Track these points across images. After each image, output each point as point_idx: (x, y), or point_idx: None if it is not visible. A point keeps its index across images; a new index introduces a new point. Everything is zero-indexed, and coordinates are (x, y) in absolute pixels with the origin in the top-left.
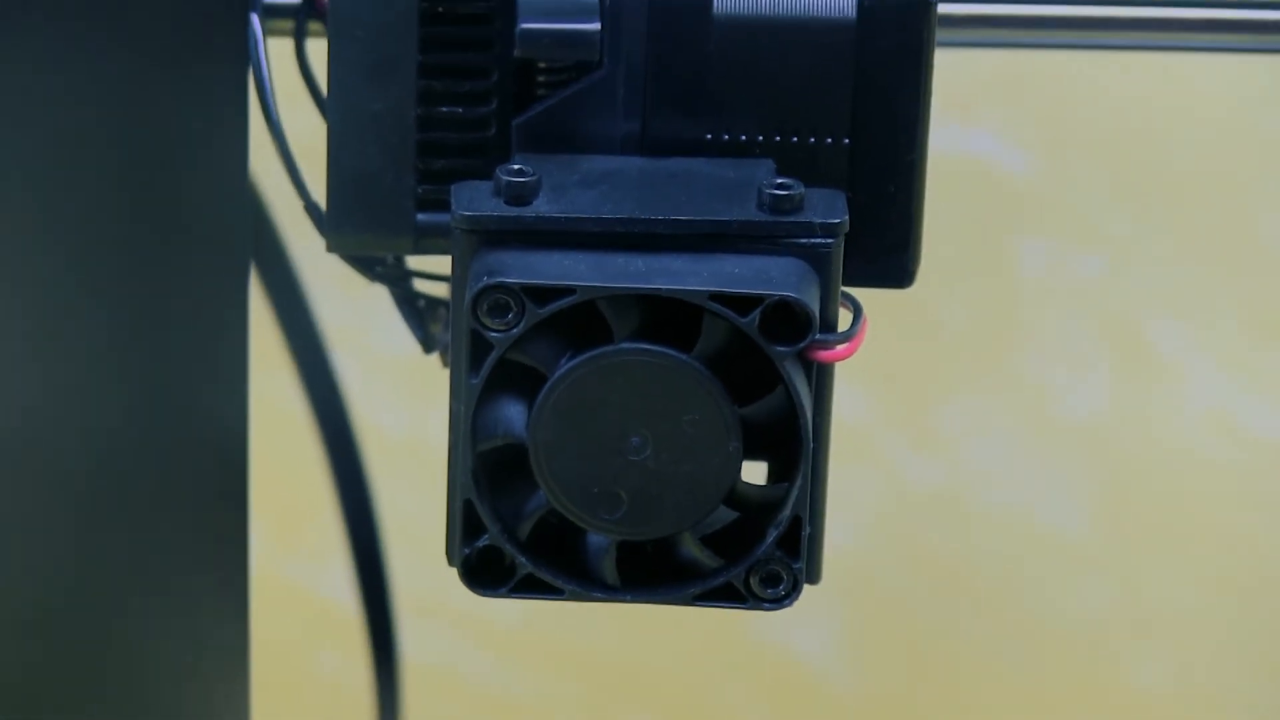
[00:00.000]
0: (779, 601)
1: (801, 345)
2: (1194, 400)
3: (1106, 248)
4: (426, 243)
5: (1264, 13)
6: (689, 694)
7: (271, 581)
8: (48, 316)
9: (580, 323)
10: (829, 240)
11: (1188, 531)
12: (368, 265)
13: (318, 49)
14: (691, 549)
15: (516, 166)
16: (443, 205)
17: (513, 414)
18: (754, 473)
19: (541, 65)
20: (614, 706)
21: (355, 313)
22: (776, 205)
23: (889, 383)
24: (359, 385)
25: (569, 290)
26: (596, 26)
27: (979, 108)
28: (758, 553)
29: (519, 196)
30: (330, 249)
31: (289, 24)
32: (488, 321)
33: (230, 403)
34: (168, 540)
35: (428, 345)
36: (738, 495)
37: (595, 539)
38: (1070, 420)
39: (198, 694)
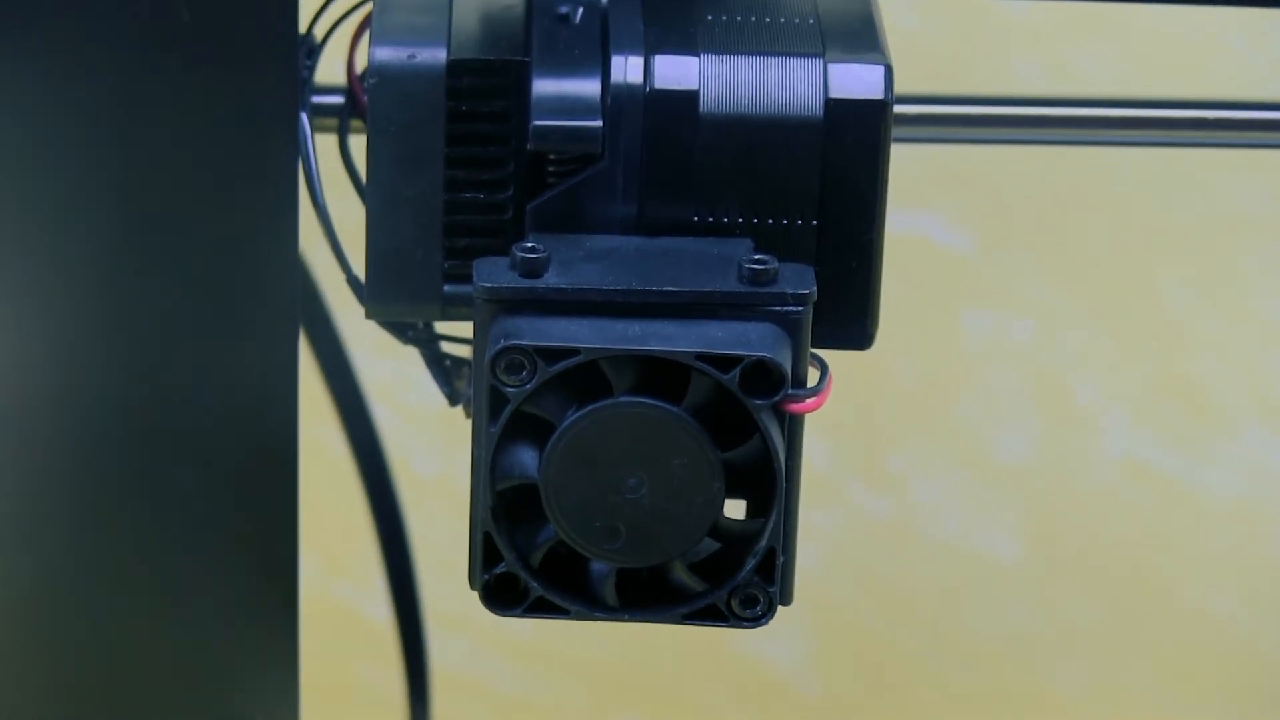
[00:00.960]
0: (756, 620)
1: (776, 399)
2: (1109, 447)
3: (1035, 315)
4: (452, 310)
5: (1168, 111)
6: (677, 696)
7: (320, 602)
8: (122, 387)
9: (584, 379)
10: (799, 308)
11: (1103, 559)
12: (401, 330)
13: (358, 143)
14: (681, 575)
15: (530, 244)
16: (466, 278)
17: (526, 458)
18: (734, 509)
19: (551, 157)
20: (613, 707)
21: (391, 371)
22: (754, 278)
23: (848, 431)
24: (395, 433)
25: (575, 351)
26: (599, 124)
27: (926, 194)
28: (738, 578)
29: (532, 270)
30: (369, 316)
31: (333, 121)
32: (504, 378)
33: (282, 445)
34: (226, 585)
35: (453, 399)
36: (720, 528)
37: (597, 566)
38: (1003, 464)
39: (252, 698)
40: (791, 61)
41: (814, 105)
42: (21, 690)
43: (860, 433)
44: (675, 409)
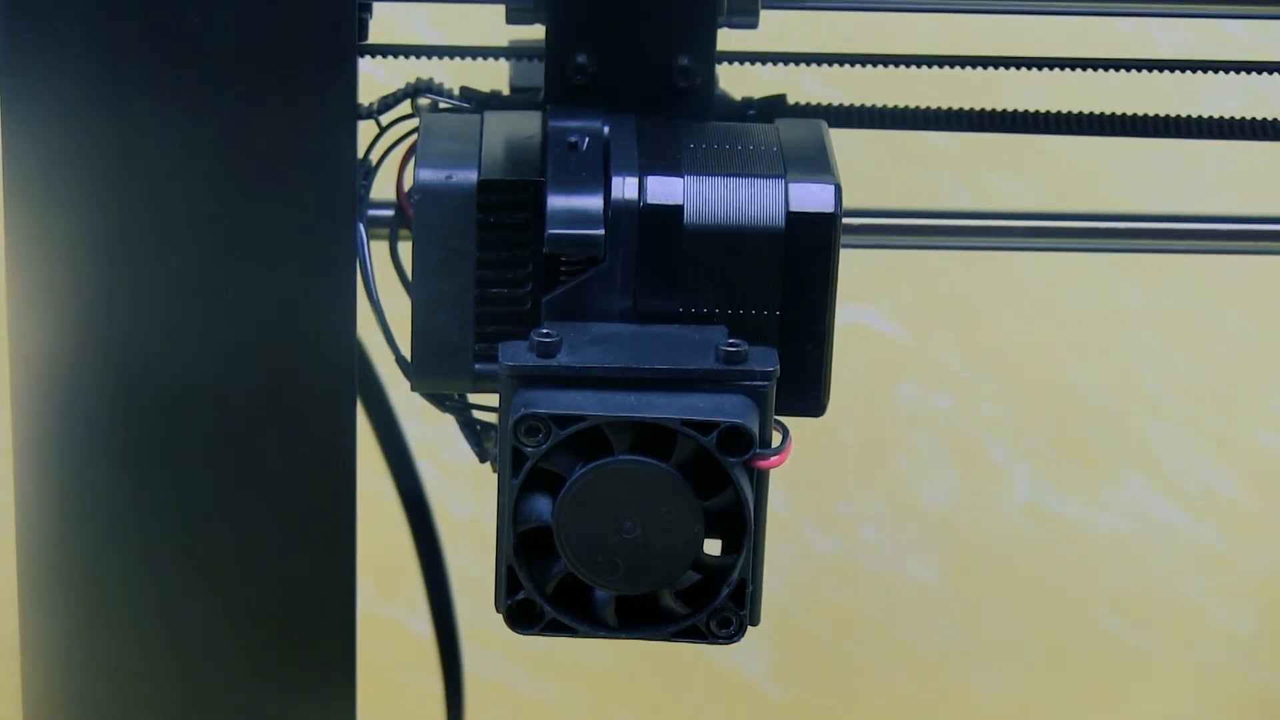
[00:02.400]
0: (730, 638)
1: (746, 457)
2: (1015, 495)
3: (954, 388)
4: (482, 384)
5: (1065, 221)
6: (665, 698)
7: (373, 619)
8: (220, 451)
9: (590, 441)
10: (765, 383)
11: (1011, 585)
12: (440, 400)
13: (405, 248)
14: (669, 601)
15: (545, 330)
16: (493, 358)
17: (542, 506)
18: (712, 547)
19: (563, 259)
20: (612, 707)
21: (432, 433)
22: (728, 358)
23: (804, 483)
24: (435, 483)
25: (582, 418)
26: (601, 232)
27: (867, 291)
28: (715, 604)
29: (546, 352)
30: (414, 389)
31: (385, 230)
32: (524, 440)
33: (344, 493)
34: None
35: (482, 456)
36: (701, 563)
37: (600, 594)
38: (929, 508)
39: (315, 697)
40: (759, 181)
41: (777, 217)
42: (93, 683)
43: (813, 484)
44: (664, 465)
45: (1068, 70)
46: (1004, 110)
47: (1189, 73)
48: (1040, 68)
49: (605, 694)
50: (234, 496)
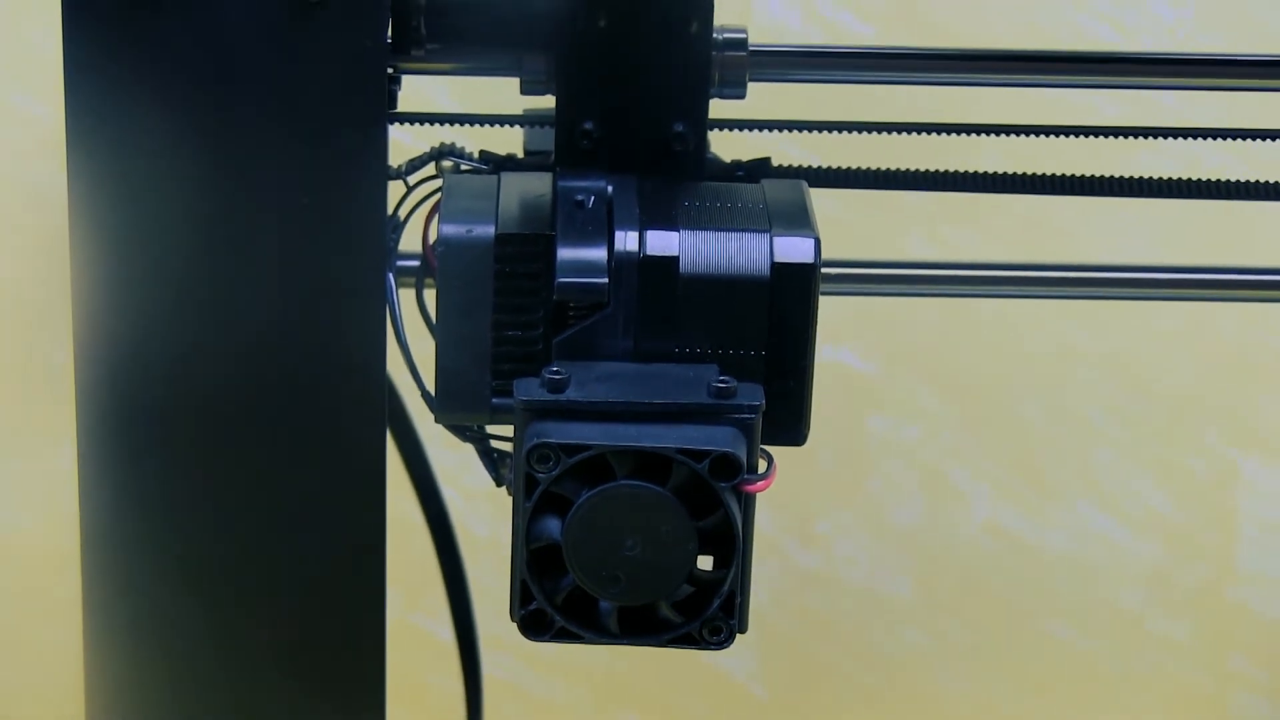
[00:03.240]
0: (721, 644)
1: (735, 482)
2: (977, 513)
3: (921, 420)
4: (498, 417)
5: (1019, 271)
6: (662, 697)
7: (402, 626)
8: (267, 487)
9: (595, 467)
10: (752, 416)
11: (973, 597)
12: (461, 431)
13: (429, 295)
14: (666, 611)
15: (555, 369)
16: (508, 393)
17: (552, 526)
18: (704, 563)
19: (571, 305)
20: (613, 705)
21: (455, 460)
22: (719, 394)
23: (786, 504)
24: (457, 505)
25: (588, 447)
26: (605, 281)
27: (844, 332)
28: (707, 614)
29: (556, 388)
30: (438, 421)
31: (412, 279)
32: (536, 467)
33: (374, 514)
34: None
35: (499, 481)
36: (694, 577)
37: (604, 604)
38: (901, 526)
39: (348, 695)
40: (747, 235)
41: (763, 267)
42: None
43: (795, 505)
44: (661, 489)
45: (1021, 136)
46: (963, 171)
47: (1129, 138)
48: (996, 133)
49: (609, 694)
50: (279, 516)
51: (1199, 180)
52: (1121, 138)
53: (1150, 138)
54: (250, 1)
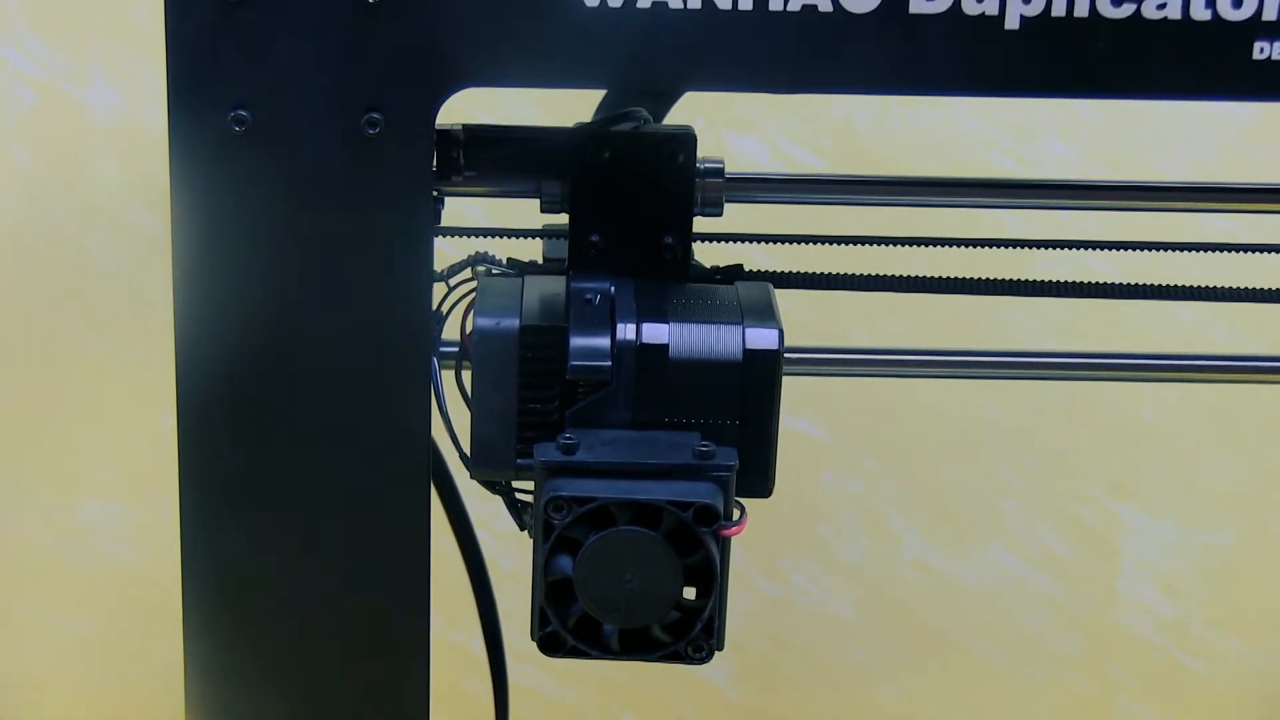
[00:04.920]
0: (703, 659)
1: (714, 528)
2: (908, 552)
3: (863, 476)
4: (522, 474)
5: (947, 356)
6: (654, 700)
7: (443, 641)
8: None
9: (600, 515)
10: (728, 474)
11: (906, 621)
12: (491, 485)
13: (466, 375)
14: (658, 632)
15: (568, 435)
16: (530, 455)
17: (565, 563)
18: (689, 593)
19: (580, 384)
20: (615, 706)
21: (487, 509)
22: (701, 456)
23: (754, 544)
24: (488, 544)
25: (594, 499)
26: (609, 364)
27: (801, 406)
28: (691, 635)
29: (569, 451)
30: (472, 477)
31: (452, 362)
32: (552, 515)
33: (420, 551)
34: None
35: (522, 526)
36: (681, 605)
37: (607, 627)
38: (846, 562)
39: (399, 697)
40: (723, 327)
41: (736, 353)
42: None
43: (761, 545)
44: (654, 533)
45: (944, 247)
46: (897, 276)
47: (1031, 249)
48: (923, 245)
49: (612, 697)
50: (348, 552)
51: (1089, 283)
52: (1024, 248)
53: (1048, 249)
54: (325, 137)
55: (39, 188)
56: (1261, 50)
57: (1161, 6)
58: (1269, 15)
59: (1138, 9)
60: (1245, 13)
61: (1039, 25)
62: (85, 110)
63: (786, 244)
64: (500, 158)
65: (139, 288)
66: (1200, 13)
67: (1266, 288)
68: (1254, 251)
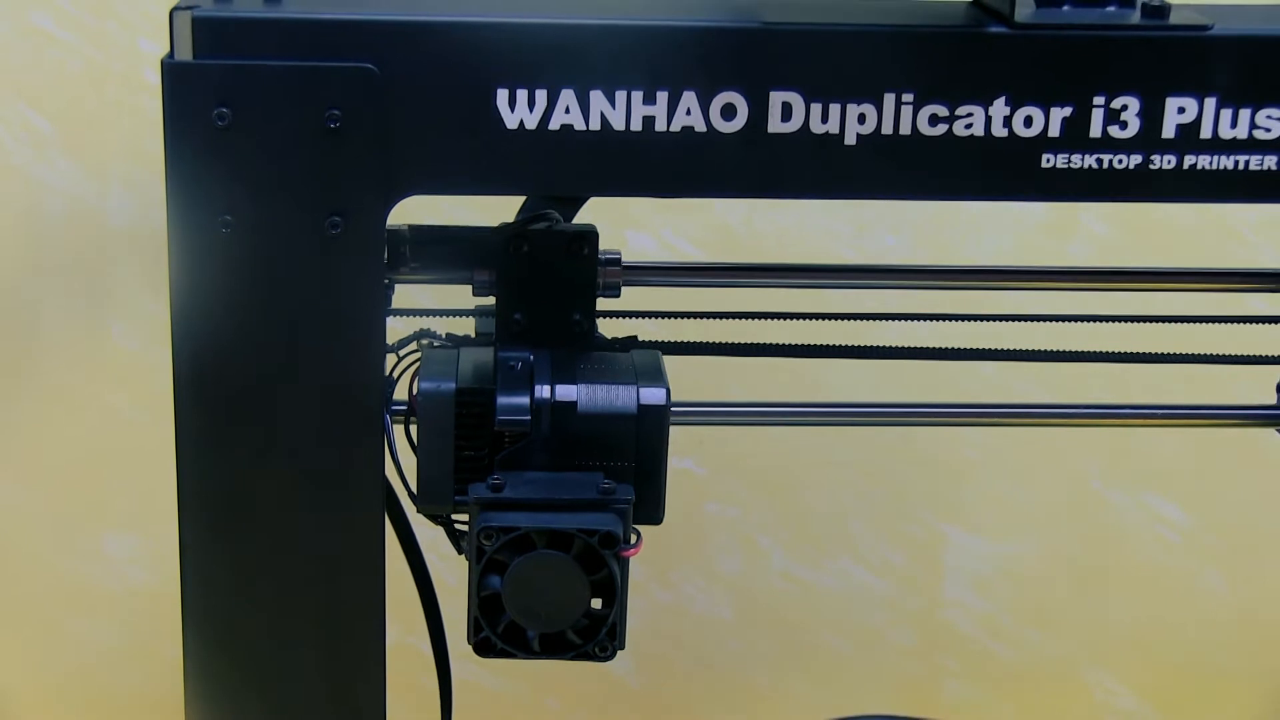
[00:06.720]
0: (608, 657)
1: (615, 550)
2: (776, 565)
3: (738, 505)
4: (460, 508)
5: (800, 409)
6: (572, 687)
7: (399, 646)
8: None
9: (523, 541)
10: (627, 505)
11: (773, 621)
12: (435, 517)
13: (413, 428)
14: (571, 636)
15: (496, 477)
16: (465, 493)
17: (495, 580)
18: (596, 603)
19: (507, 434)
20: (541, 694)
21: (432, 535)
22: (604, 493)
23: (650, 560)
24: (435, 565)
25: (518, 528)
26: (528, 418)
27: (686, 448)
28: (598, 638)
29: (497, 489)
30: (419, 511)
31: (402, 418)
32: (484, 541)
33: (374, 574)
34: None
35: (459, 550)
36: (589, 613)
37: (530, 633)
38: (726, 574)
39: (356, 692)
40: (621, 387)
41: (632, 407)
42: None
43: (655, 561)
44: (567, 555)
45: (800, 320)
46: (763, 344)
47: (865, 321)
48: (784, 319)
49: (538, 687)
50: (317, 572)
51: (908, 347)
52: (859, 320)
53: (878, 320)
54: (296, 236)
55: (66, 279)
56: (1048, 160)
57: (969, 126)
58: (1053, 133)
59: (949, 128)
60: (1034, 131)
61: (872, 141)
62: (107, 216)
63: (673, 319)
64: (440, 252)
65: (157, 360)
66: (999, 131)
67: (1058, 349)
68: (1047, 321)
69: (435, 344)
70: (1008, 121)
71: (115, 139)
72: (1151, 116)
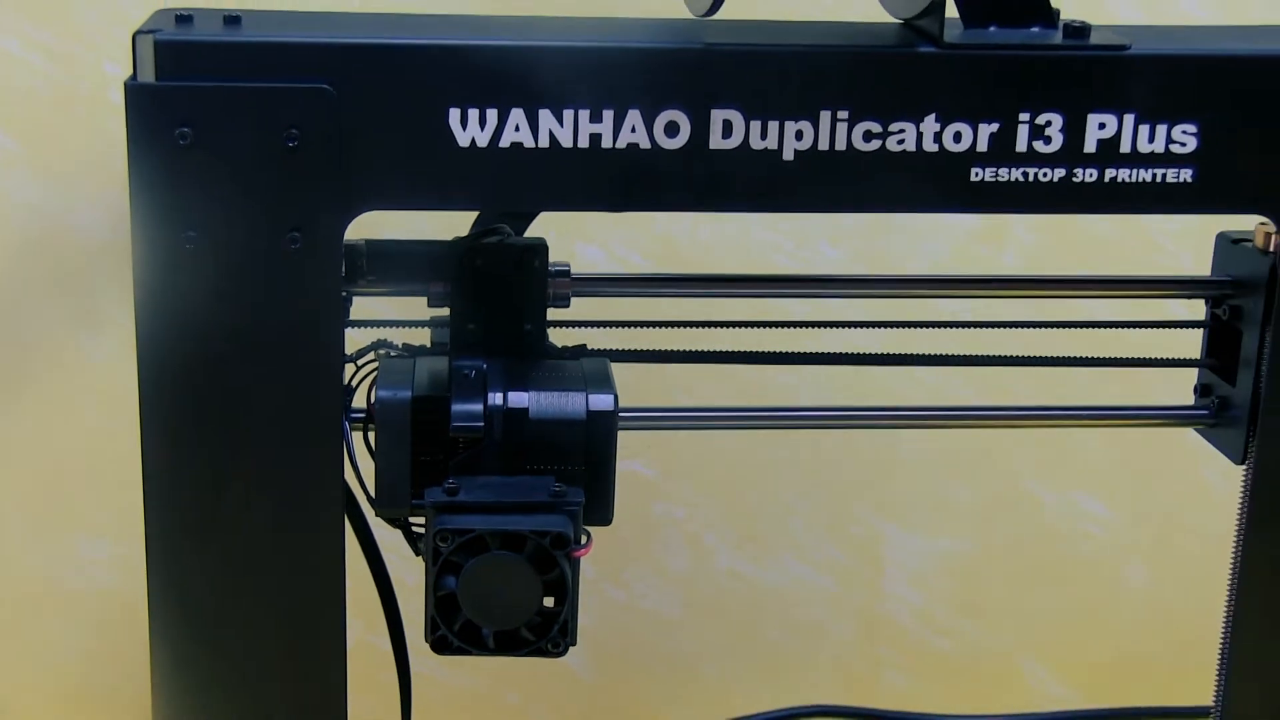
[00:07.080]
0: (560, 653)
1: (566, 550)
2: (721, 563)
3: (686, 505)
4: (417, 511)
5: (746, 411)
6: (528, 681)
7: (360, 643)
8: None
9: (477, 543)
10: (577, 507)
11: (720, 615)
12: (393, 520)
13: (371, 434)
14: (525, 633)
15: (451, 481)
16: (422, 497)
17: (451, 580)
18: (548, 601)
19: (460, 440)
20: (499, 686)
21: (392, 537)
22: (555, 495)
23: (601, 560)
24: (395, 566)
25: (472, 530)
26: (482, 425)
27: (634, 451)
28: (551, 634)
29: (452, 493)
30: (377, 514)
31: (360, 425)
32: (440, 543)
33: (335, 576)
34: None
35: (417, 551)
36: (541, 611)
37: (485, 630)
38: (674, 572)
39: (315, 684)
40: (571, 393)
41: (581, 413)
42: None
43: (607, 561)
44: (520, 556)
45: (744, 328)
46: (708, 350)
47: (807, 329)
48: (728, 326)
49: (497, 681)
50: (282, 570)
51: (848, 353)
52: (800, 328)
53: (818, 328)
54: (257, 251)
55: (37, 292)
56: (976, 174)
57: (901, 142)
58: (981, 148)
59: (883, 144)
60: (963, 146)
61: (809, 156)
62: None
63: (620, 328)
64: (396, 265)
65: (126, 371)
66: (930, 146)
67: (990, 354)
68: (979, 328)
69: (392, 354)
70: (938, 137)
71: (82, 158)
72: (1074, 132)
